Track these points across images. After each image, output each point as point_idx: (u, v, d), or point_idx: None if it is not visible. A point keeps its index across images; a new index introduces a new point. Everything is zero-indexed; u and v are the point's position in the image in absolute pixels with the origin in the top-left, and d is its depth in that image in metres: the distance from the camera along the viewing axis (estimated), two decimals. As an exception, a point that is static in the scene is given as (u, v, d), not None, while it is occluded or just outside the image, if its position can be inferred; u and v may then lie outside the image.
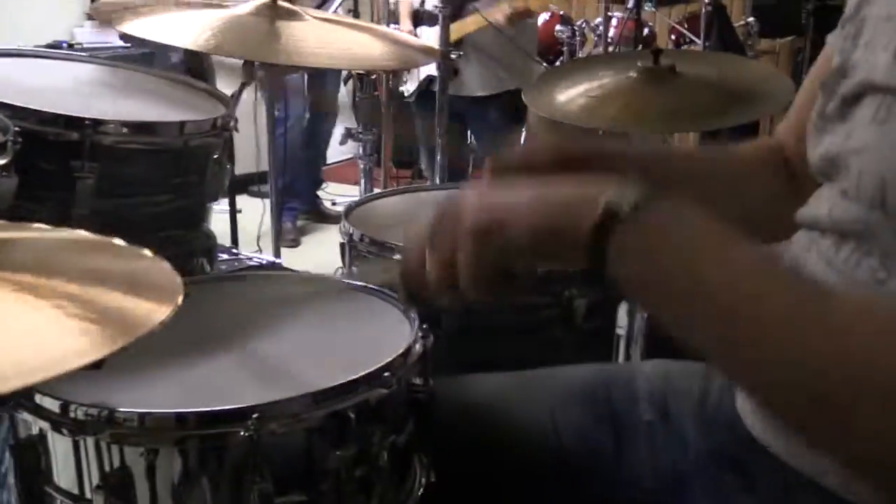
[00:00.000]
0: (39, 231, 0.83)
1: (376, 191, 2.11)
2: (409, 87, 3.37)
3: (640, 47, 4.69)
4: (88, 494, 0.93)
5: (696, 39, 4.73)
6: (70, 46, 4.20)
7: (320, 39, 1.61)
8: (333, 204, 4.75)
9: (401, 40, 1.80)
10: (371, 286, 1.28)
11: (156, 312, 0.66)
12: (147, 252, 0.80)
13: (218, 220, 2.82)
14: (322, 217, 4.61)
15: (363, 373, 0.96)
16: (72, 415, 0.90)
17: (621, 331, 1.75)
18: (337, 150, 4.82)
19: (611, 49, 4.42)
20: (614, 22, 4.69)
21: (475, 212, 0.74)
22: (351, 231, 1.54)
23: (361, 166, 2.15)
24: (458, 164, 3.52)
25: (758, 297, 0.65)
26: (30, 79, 1.44)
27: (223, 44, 1.51)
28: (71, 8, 4.66)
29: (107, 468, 0.90)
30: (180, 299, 0.69)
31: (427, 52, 1.80)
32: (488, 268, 0.74)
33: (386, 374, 0.98)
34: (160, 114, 1.41)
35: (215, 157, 1.42)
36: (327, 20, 1.73)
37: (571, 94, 1.94)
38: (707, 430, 1.02)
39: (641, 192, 0.69)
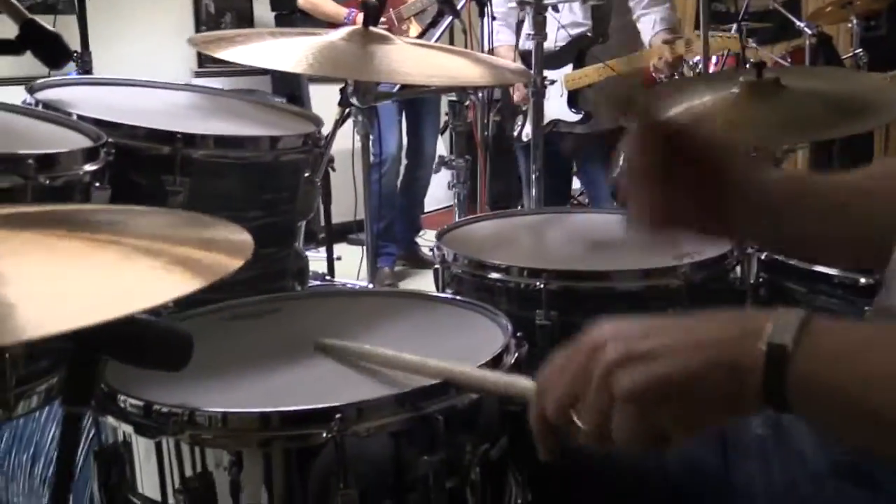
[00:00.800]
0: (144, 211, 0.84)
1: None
2: (528, 130, 3.31)
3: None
4: (171, 501, 0.90)
5: (802, 74, 4.59)
6: (178, 103, 4.38)
7: (413, 60, 1.60)
8: (432, 250, 4.73)
9: (493, 62, 1.77)
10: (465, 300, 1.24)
11: (228, 263, 0.69)
12: (224, 222, 0.79)
13: (317, 267, 2.83)
14: (420, 263, 4.59)
15: (452, 375, 0.91)
16: (154, 415, 0.88)
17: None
18: (435, 199, 4.83)
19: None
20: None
21: (615, 346, 0.68)
22: (444, 252, 1.50)
23: (455, 193, 2.12)
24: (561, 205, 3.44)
25: None
26: (125, 102, 1.47)
27: (318, 65, 1.51)
28: (179, 68, 4.87)
29: (188, 472, 0.87)
30: (250, 253, 0.67)
31: (519, 74, 1.77)
32: (647, 428, 0.68)
33: (477, 377, 0.93)
34: (251, 131, 1.41)
35: (306, 174, 1.41)
36: (418, 44, 1.73)
37: (671, 114, 1.87)
38: (826, 441, 0.93)
39: (799, 319, 0.65)
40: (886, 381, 0.63)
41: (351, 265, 3.35)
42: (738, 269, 1.55)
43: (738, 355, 0.65)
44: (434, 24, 2.62)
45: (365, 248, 2.56)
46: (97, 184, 1.07)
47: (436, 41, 2.73)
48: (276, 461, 0.87)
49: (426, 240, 4.86)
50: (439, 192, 4.84)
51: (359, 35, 1.63)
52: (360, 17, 4.27)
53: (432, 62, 1.62)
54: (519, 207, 3.65)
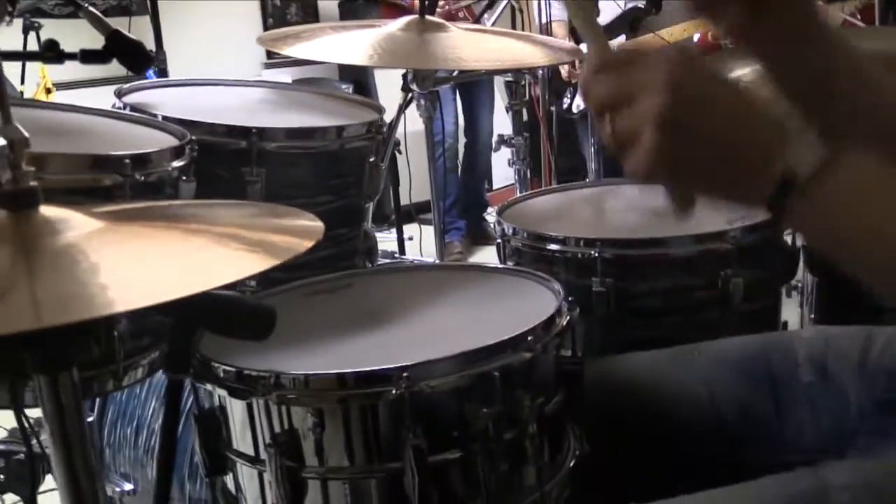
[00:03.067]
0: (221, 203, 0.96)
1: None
2: (579, 101, 3.39)
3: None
4: (263, 455, 1.01)
5: (872, 31, 4.51)
6: (250, 96, 4.55)
7: (469, 46, 1.68)
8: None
9: (546, 42, 1.84)
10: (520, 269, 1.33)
11: (300, 245, 0.78)
12: (298, 210, 0.91)
13: (388, 247, 2.91)
14: (488, 239, 4.70)
15: (507, 336, 1.00)
16: (245, 379, 1.00)
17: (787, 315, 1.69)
18: (503, 177, 4.92)
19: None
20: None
21: (668, 102, 0.70)
22: (504, 226, 1.59)
23: (515, 169, 2.21)
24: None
25: None
26: (204, 101, 1.61)
27: (378, 57, 1.60)
28: (249, 61, 5.04)
29: (277, 429, 0.99)
30: (320, 236, 0.77)
31: (573, 53, 1.84)
32: (663, 163, 0.71)
33: (529, 338, 1.02)
34: (319, 122, 1.53)
35: (371, 159, 1.52)
36: (473, 29, 1.81)
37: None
38: (870, 383, 1.00)
39: (821, 155, 0.70)
40: (873, 232, 0.70)
41: (424, 244, 3.46)
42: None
43: (756, 172, 0.71)
44: (491, 5, 2.70)
45: (433, 226, 2.67)
46: (184, 177, 1.19)
47: (493, 24, 2.81)
48: (353, 416, 0.98)
49: (494, 217, 4.94)
50: (507, 169, 4.93)
51: (416, 24, 1.72)
52: (417, -1, 4.35)
53: (487, 46, 1.70)
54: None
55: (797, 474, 0.89)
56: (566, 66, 3.24)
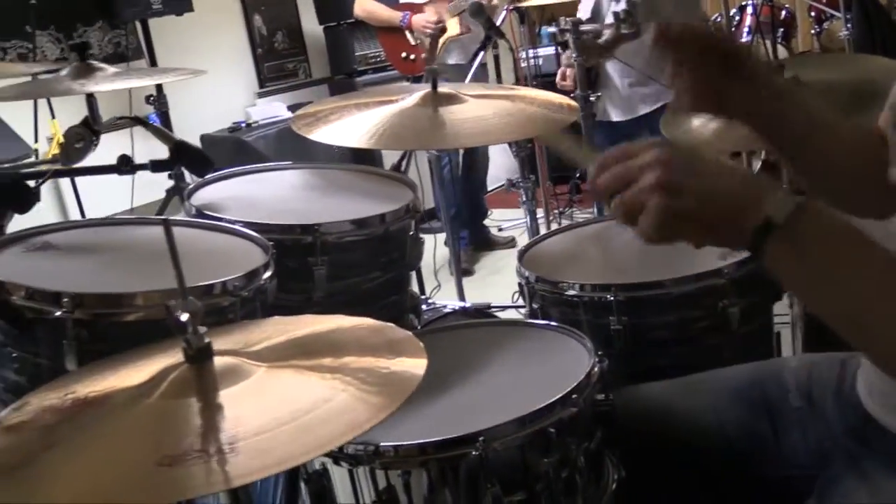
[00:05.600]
0: (306, 322, 1.15)
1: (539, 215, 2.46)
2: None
3: (780, 31, 4.74)
4: (367, 510, 1.26)
5: (837, 13, 4.70)
6: (248, 125, 4.78)
7: (478, 119, 1.87)
8: (500, 230, 5.08)
9: (549, 102, 2.03)
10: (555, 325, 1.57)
11: (417, 369, 0.98)
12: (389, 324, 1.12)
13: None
14: (490, 244, 4.92)
15: (557, 397, 1.25)
16: (347, 451, 1.23)
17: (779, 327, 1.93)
18: (493, 178, 5.15)
19: (747, 38, 4.49)
20: (750, 10, 4.75)
21: (663, 172, 0.87)
22: (526, 274, 1.81)
23: (525, 209, 2.45)
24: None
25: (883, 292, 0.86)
26: (258, 194, 1.84)
27: (395, 140, 1.80)
28: (243, 92, 5.25)
29: (379, 488, 1.23)
30: (425, 355, 1.00)
31: (570, 110, 2.03)
32: (661, 233, 0.88)
33: (574, 395, 1.27)
34: (365, 207, 1.76)
35: (411, 234, 1.76)
36: (483, 96, 2.00)
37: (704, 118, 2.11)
38: (842, 410, 1.22)
39: (794, 203, 0.86)
40: (837, 274, 0.87)
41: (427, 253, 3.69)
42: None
43: (743, 219, 0.87)
44: (483, 47, 2.90)
45: (439, 238, 2.89)
46: (269, 279, 1.42)
47: (481, 61, 3.01)
48: (434, 475, 1.22)
49: (493, 220, 5.18)
50: (498, 171, 5.16)
51: (429, 98, 1.92)
52: (415, 17, 4.55)
53: (496, 118, 1.88)
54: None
55: None
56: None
